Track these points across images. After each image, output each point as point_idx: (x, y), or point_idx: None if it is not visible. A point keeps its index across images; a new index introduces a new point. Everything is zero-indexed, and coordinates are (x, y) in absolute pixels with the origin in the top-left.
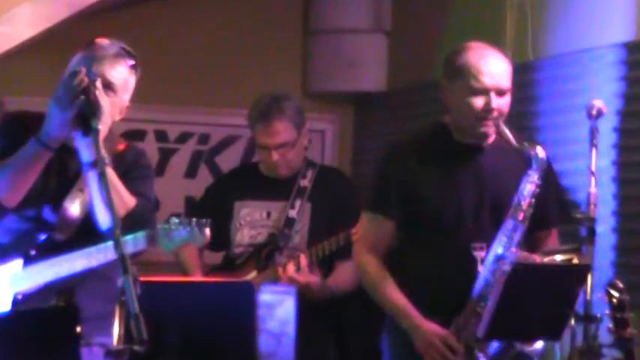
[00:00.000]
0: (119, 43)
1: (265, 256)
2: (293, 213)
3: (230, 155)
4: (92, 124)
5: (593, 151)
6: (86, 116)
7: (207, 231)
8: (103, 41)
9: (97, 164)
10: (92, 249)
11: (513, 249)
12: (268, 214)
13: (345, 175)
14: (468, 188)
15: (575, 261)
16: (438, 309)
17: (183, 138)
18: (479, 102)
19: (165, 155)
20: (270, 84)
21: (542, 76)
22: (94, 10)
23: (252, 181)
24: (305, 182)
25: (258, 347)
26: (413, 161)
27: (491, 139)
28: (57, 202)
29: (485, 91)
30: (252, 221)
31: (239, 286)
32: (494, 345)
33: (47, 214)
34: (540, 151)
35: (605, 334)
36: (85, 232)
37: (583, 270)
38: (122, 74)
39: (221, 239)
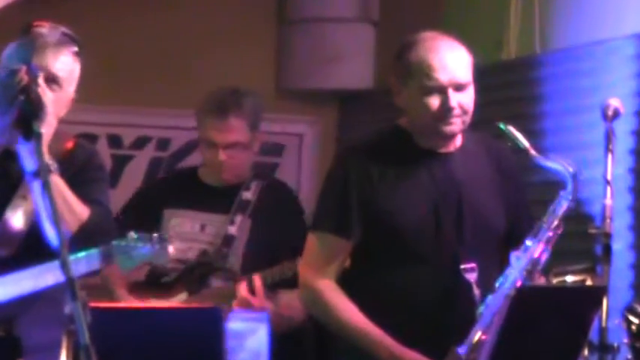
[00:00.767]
0: (59, 27)
1: (199, 276)
2: (233, 230)
3: (193, 162)
4: (34, 128)
5: (609, 157)
6: (27, 118)
7: (171, 248)
8: (41, 27)
9: (40, 173)
10: (41, 268)
11: (536, 276)
12: (202, 228)
13: (296, 194)
14: (443, 200)
15: (589, 282)
16: (419, 338)
17: (139, 143)
18: (435, 101)
19: (120, 163)
20: (240, 81)
21: (550, 72)
22: None
23: (188, 188)
24: (248, 195)
25: None
26: (372, 167)
27: (458, 142)
28: None
29: (441, 89)
30: (182, 233)
31: (205, 312)
32: None
33: None
34: (571, 167)
35: None
36: (33, 248)
37: (598, 293)
38: (67, 65)
39: None
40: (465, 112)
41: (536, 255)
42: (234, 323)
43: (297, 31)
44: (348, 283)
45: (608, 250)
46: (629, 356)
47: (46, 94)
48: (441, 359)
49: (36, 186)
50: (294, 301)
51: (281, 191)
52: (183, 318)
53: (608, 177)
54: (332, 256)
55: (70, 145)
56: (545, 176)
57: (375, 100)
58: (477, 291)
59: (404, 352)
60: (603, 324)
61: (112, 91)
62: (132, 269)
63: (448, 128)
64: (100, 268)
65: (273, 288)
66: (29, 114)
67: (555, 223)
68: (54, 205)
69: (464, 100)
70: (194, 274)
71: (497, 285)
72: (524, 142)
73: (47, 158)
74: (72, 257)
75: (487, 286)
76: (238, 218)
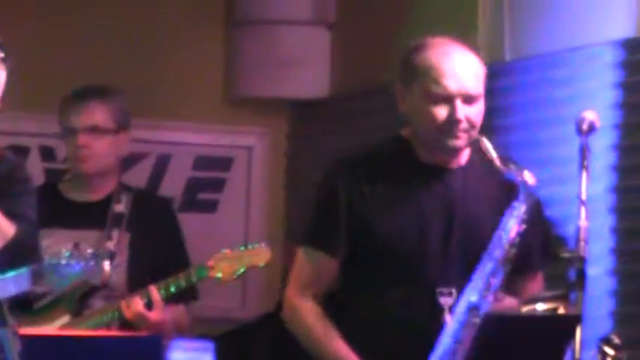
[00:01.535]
0: None
1: (79, 297)
2: (111, 245)
3: (135, 176)
4: None
5: (584, 174)
6: None
7: (107, 266)
8: None
9: None
10: None
11: (490, 297)
12: (76, 246)
13: (169, 200)
14: (433, 219)
15: (562, 311)
16: None
17: None
18: (441, 111)
19: (54, 177)
20: (183, 88)
21: (521, 81)
22: None
23: (54, 205)
24: (120, 208)
25: None
26: (364, 183)
27: (464, 158)
28: None
29: (448, 98)
30: (56, 254)
31: (145, 341)
32: None
33: None
34: (529, 178)
35: None
36: None
37: (571, 322)
38: None
39: None
40: (472, 126)
41: (492, 278)
42: (177, 353)
43: (246, 34)
44: (330, 305)
45: (582, 275)
46: None
47: None
48: None
49: None
50: (181, 317)
51: (153, 200)
52: (121, 347)
53: (583, 196)
54: (316, 273)
55: None
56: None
57: (331, 110)
58: (448, 317)
59: None
60: (577, 356)
61: (45, 98)
62: (63, 289)
63: (452, 142)
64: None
65: (169, 300)
66: None
67: (508, 239)
68: None
69: (472, 113)
70: (73, 296)
71: (454, 310)
72: (493, 152)
73: None
74: None
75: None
76: (115, 233)
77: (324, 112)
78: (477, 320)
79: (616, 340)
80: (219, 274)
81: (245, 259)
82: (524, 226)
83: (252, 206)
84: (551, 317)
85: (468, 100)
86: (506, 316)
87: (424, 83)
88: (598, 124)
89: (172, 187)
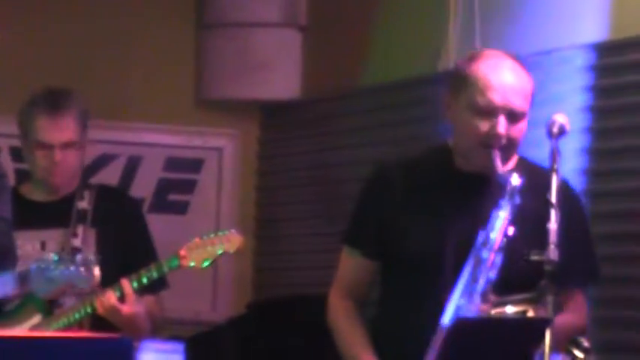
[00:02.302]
0: None
1: None
2: (77, 242)
3: (105, 178)
4: None
5: (554, 177)
6: None
7: (97, 270)
8: None
9: None
10: None
11: (478, 300)
12: (43, 245)
13: (131, 195)
14: (459, 230)
15: (531, 314)
16: None
17: None
18: (483, 124)
19: (25, 178)
20: (154, 90)
21: None
22: None
23: (17, 207)
24: (84, 204)
25: None
26: (399, 189)
27: (508, 167)
28: None
29: (492, 111)
30: (24, 255)
31: (113, 343)
32: None
33: None
34: (514, 179)
35: None
36: None
37: (540, 325)
38: None
39: None
40: (511, 144)
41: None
42: (148, 355)
43: (217, 36)
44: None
45: (552, 278)
46: None
47: None
48: None
49: None
50: (153, 308)
51: (115, 195)
52: (90, 348)
53: (553, 199)
54: (354, 272)
55: None
56: None
57: (302, 112)
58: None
59: None
60: (546, 359)
61: (15, 99)
62: (50, 293)
63: (482, 161)
64: (15, 293)
65: (140, 292)
66: None
67: (494, 241)
68: None
69: (514, 131)
70: None
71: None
72: (498, 162)
73: None
74: None
75: None
76: (80, 229)
77: (295, 114)
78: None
79: (585, 344)
80: (192, 263)
81: (216, 245)
82: (511, 228)
83: (223, 208)
84: (520, 320)
85: (512, 116)
86: (476, 319)
87: (470, 94)
88: (568, 127)
89: (143, 188)
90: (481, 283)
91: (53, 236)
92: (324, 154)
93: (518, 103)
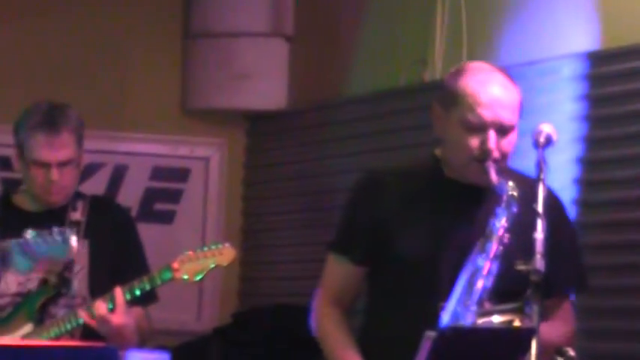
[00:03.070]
0: None
1: (42, 305)
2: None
3: (92, 187)
4: None
5: (540, 187)
6: None
7: (74, 240)
8: None
9: None
10: None
11: (474, 307)
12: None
13: (122, 206)
14: (451, 237)
15: (517, 323)
16: None
17: None
18: (474, 140)
19: (11, 188)
20: (141, 99)
21: None
22: None
23: (10, 216)
24: (77, 215)
25: None
26: (389, 196)
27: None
28: None
29: (483, 127)
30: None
31: (99, 352)
32: None
33: None
34: (511, 189)
35: None
36: None
37: (526, 335)
38: None
39: None
40: (503, 157)
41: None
42: None
43: (203, 47)
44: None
45: (538, 288)
46: None
47: None
48: None
49: None
50: (141, 320)
51: (108, 205)
52: (77, 357)
53: (539, 208)
54: (341, 279)
55: None
56: None
57: (288, 122)
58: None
59: None
60: None
61: (2, 108)
62: (31, 270)
63: (475, 177)
64: None
65: (131, 303)
66: None
67: (491, 248)
68: None
69: (504, 144)
70: (34, 305)
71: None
72: (493, 172)
73: None
74: None
75: None
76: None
77: (282, 124)
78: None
79: (570, 353)
80: (185, 276)
81: (209, 259)
82: (507, 236)
83: (209, 217)
84: (506, 330)
85: (502, 130)
86: (462, 328)
87: (461, 110)
88: (555, 137)
89: (129, 197)
90: (477, 291)
91: None
92: (310, 163)
93: (508, 118)
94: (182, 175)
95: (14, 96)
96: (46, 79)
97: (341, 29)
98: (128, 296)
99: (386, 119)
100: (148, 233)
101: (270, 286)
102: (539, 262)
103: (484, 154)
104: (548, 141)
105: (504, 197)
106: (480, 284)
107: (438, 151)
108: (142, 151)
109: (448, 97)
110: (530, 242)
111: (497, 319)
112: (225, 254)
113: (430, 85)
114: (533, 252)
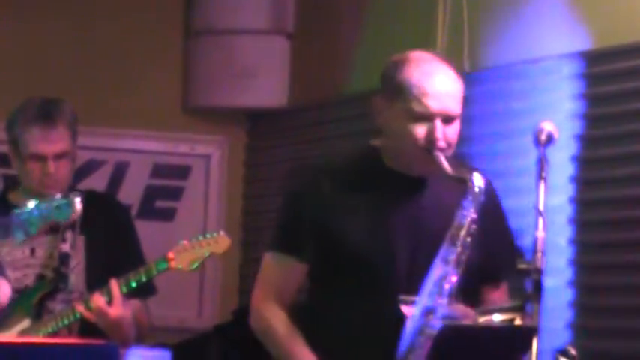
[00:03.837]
0: None
1: (39, 300)
2: (66, 247)
3: (93, 184)
4: None
5: (541, 185)
6: None
7: (78, 202)
8: None
9: None
10: None
11: (444, 300)
12: (32, 251)
13: (119, 201)
14: (402, 229)
15: (518, 322)
16: None
17: None
18: (421, 130)
19: (12, 185)
20: (142, 96)
21: (480, 92)
22: None
23: (5, 213)
24: None
25: None
26: (330, 190)
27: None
28: None
29: (429, 117)
30: (13, 261)
31: (99, 349)
32: None
33: None
34: (478, 179)
35: None
36: None
37: (527, 333)
38: None
39: None
40: (449, 145)
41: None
42: None
43: (204, 44)
44: (303, 310)
45: (538, 286)
46: None
47: None
48: None
49: None
50: (140, 313)
51: (104, 200)
52: (77, 354)
53: (541, 207)
54: (283, 278)
55: None
56: None
57: (289, 120)
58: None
59: None
60: None
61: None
62: (31, 235)
63: (423, 168)
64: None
65: (128, 296)
66: None
67: (460, 240)
68: None
69: (450, 133)
70: (32, 300)
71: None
72: (444, 161)
73: None
74: None
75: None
76: (69, 235)
77: (282, 122)
78: (433, 330)
79: (572, 352)
80: (180, 266)
81: (204, 248)
82: (475, 227)
83: (210, 215)
84: (507, 328)
85: (447, 119)
86: (463, 326)
87: (406, 101)
88: (556, 136)
89: (130, 194)
90: (448, 284)
91: (42, 242)
92: (311, 161)
93: (454, 107)
94: (183, 172)
95: (14, 94)
96: (46, 77)
97: (342, 27)
98: (124, 288)
99: None
100: (148, 231)
101: None
102: (540, 261)
103: (431, 143)
104: (550, 139)
105: (470, 187)
106: (451, 278)
107: (376, 142)
108: (143, 148)
109: (391, 87)
110: (481, 233)
111: (498, 317)
112: (220, 242)
113: None
114: (484, 243)
